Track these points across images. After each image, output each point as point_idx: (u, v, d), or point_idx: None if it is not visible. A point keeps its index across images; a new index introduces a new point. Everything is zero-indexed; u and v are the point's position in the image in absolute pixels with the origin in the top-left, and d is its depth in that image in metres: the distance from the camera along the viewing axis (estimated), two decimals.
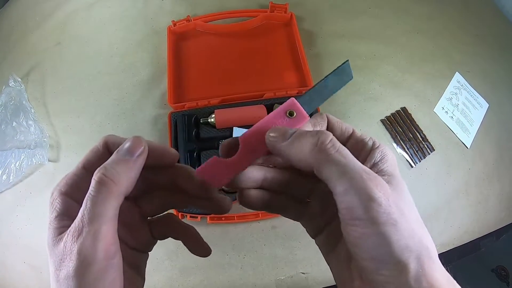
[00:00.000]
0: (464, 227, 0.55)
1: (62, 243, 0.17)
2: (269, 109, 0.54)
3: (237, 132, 0.51)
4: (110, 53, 0.64)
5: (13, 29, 0.69)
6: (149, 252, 0.24)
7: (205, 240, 0.24)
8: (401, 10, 0.70)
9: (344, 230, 0.18)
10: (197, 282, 0.49)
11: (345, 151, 0.18)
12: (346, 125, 0.22)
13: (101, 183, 0.17)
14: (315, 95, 0.23)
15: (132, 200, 0.22)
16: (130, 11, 0.68)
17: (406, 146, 0.58)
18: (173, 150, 0.22)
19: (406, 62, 0.65)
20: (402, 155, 0.58)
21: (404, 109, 0.60)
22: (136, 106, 0.59)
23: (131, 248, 0.22)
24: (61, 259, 0.17)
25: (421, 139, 0.59)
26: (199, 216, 0.49)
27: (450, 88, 0.65)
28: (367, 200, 0.16)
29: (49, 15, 0.69)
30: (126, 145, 0.19)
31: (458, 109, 0.64)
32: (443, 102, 0.63)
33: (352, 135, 0.22)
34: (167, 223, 0.24)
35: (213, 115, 0.52)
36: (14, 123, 0.57)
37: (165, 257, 0.50)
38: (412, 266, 0.16)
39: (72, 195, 0.19)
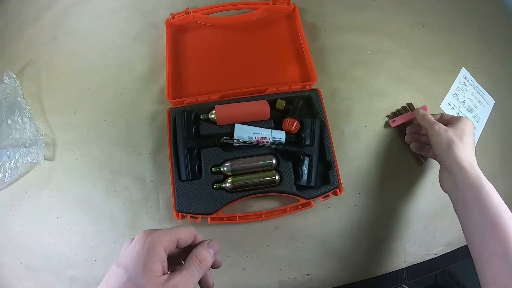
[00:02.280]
0: None
1: (173, 282, 0.27)
2: (272, 104, 0.52)
3: (239, 128, 0.50)
4: (107, 47, 0.62)
5: (8, 24, 0.66)
6: None
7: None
8: (406, 3, 0.68)
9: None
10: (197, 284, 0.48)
11: (429, 117, 0.50)
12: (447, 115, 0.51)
13: (206, 266, 0.31)
14: None
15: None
16: (127, 4, 0.66)
17: None
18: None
19: (411, 56, 0.63)
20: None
21: (410, 104, 0.59)
22: (133, 102, 0.57)
23: None
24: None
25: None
26: (199, 217, 0.47)
27: (457, 83, 0.63)
28: (431, 127, 0.48)
29: (44, 9, 0.66)
30: (211, 243, 0.33)
31: (464, 105, 0.62)
32: (449, 98, 0.62)
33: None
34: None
35: (213, 111, 0.51)
36: (9, 121, 0.55)
37: None
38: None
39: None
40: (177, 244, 0.30)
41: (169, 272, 0.28)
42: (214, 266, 0.34)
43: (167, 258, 0.29)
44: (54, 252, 0.50)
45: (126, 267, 0.26)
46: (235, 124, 0.50)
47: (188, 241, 0.31)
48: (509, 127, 0.63)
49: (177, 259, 0.32)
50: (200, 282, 0.33)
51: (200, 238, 0.33)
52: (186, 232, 0.31)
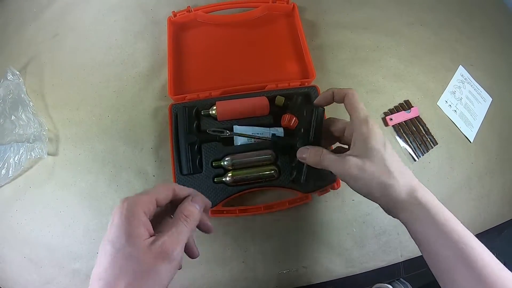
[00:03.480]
0: (466, 221, 0.54)
1: (160, 242, 0.26)
2: (272, 100, 0.53)
3: (237, 130, 0.51)
4: (109, 44, 0.63)
5: (10, 20, 0.67)
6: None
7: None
8: (405, 1, 0.69)
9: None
10: (198, 276, 0.49)
11: (329, 154, 0.37)
12: (356, 103, 0.36)
13: (194, 221, 0.31)
14: None
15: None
16: (129, 2, 0.67)
17: (409, 140, 0.57)
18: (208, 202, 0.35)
19: (409, 54, 0.64)
20: (405, 148, 0.57)
21: (407, 102, 0.60)
22: (136, 98, 0.58)
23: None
24: (160, 252, 0.26)
25: (424, 132, 0.58)
26: None
27: (454, 81, 0.64)
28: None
29: (47, 6, 0.67)
30: (196, 198, 0.32)
31: (461, 103, 0.63)
32: (447, 95, 0.63)
33: (355, 109, 0.36)
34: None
35: (214, 107, 0.52)
36: (13, 117, 0.56)
37: None
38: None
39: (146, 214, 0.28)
40: (157, 203, 0.29)
41: (156, 234, 0.28)
42: (205, 229, 0.34)
43: (154, 219, 0.29)
44: (57, 245, 0.51)
45: (112, 241, 0.26)
46: (234, 126, 0.51)
47: (167, 197, 0.31)
48: (506, 124, 0.63)
49: (166, 218, 0.32)
50: (185, 250, 0.33)
51: (183, 191, 0.32)
52: (163, 189, 0.30)
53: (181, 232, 0.28)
